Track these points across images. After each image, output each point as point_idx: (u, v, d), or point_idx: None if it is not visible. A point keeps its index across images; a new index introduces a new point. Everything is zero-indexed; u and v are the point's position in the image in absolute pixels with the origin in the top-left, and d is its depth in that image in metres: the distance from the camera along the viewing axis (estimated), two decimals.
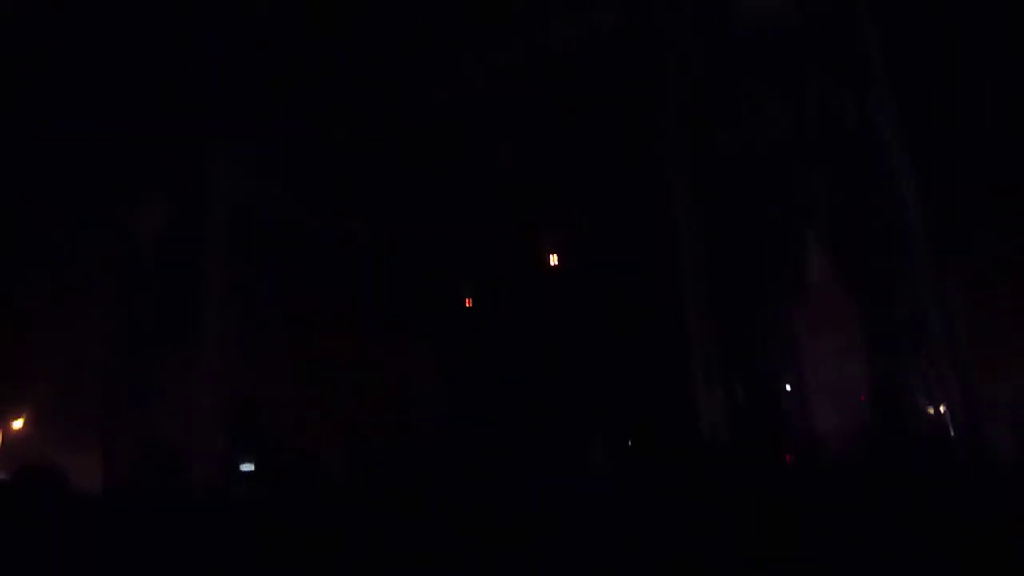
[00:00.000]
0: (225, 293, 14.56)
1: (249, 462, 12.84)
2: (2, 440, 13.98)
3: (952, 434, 13.34)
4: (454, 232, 16.47)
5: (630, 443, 15.72)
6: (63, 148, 13.67)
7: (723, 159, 15.32)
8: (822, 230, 14.52)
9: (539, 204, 16.42)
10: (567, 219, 16.71)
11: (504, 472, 12.48)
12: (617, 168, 15.92)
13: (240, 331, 14.42)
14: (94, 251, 14.28)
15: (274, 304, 15.04)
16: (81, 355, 13.40)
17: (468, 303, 17.84)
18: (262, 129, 15.14)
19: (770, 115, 15.07)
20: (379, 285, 16.13)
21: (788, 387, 15.13)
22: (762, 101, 15.13)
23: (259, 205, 15.43)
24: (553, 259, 17.29)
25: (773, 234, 14.83)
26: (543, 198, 16.35)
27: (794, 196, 15.12)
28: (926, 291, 14.55)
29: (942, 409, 13.84)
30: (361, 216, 16.48)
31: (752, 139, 14.94)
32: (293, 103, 15.26)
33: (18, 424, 14.69)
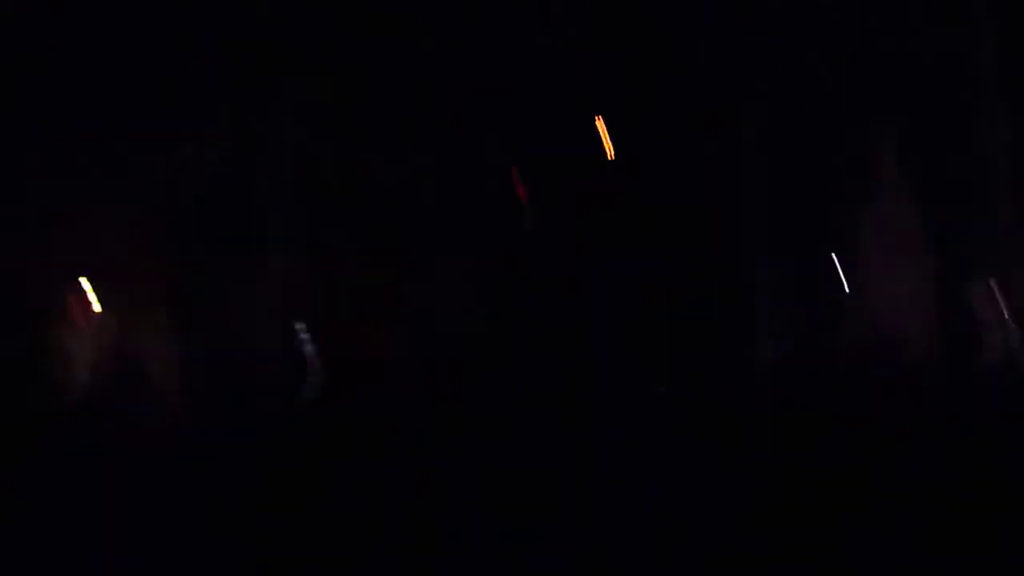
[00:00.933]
0: (288, 224, 15.14)
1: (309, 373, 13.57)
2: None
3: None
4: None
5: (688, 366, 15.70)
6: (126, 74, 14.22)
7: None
8: (897, 136, 14.27)
9: (586, 111, 16.34)
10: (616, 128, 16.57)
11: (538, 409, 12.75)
12: (664, 66, 15.70)
13: (301, 257, 15.04)
14: (167, 170, 14.90)
15: (335, 234, 15.56)
16: (153, 267, 14.04)
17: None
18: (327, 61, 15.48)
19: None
20: (435, 217, 16.42)
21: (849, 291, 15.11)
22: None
23: (320, 140, 15.86)
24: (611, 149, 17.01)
25: (840, 137, 14.62)
26: (588, 103, 16.21)
27: (866, 99, 14.85)
28: (1004, 205, 14.28)
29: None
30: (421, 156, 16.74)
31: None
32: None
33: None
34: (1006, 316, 13.64)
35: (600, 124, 16.31)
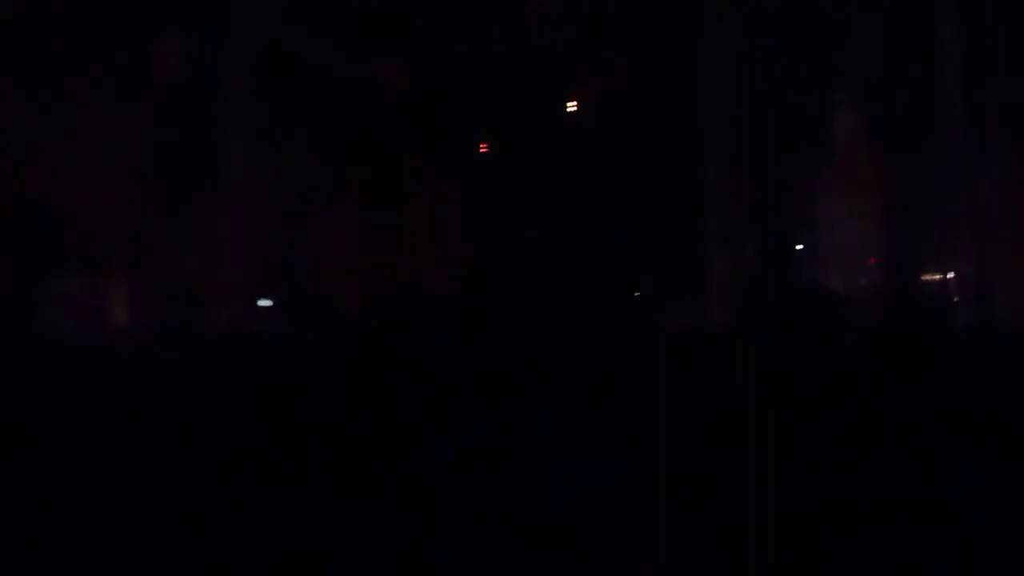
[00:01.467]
0: (250, 132, 14.95)
1: (268, 299, 13.55)
2: None
3: (956, 301, 13.80)
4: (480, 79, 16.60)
5: (636, 295, 16.25)
6: None
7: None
8: (849, 85, 14.56)
9: (563, 46, 16.42)
10: (592, 63, 16.71)
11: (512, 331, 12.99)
12: (642, 9, 15.82)
13: (264, 173, 14.89)
14: (118, 84, 14.58)
15: (301, 147, 15.44)
16: (106, 190, 13.88)
17: (483, 148, 17.96)
18: None
19: None
20: (406, 132, 16.41)
21: (799, 247, 15.59)
22: None
23: (283, 41, 15.60)
24: (572, 106, 17.32)
25: (797, 87, 14.91)
26: (566, 42, 16.32)
27: (824, 48, 15.07)
28: (955, 157, 14.70)
29: (949, 275, 14.25)
30: (389, 59, 16.61)
31: None
32: None
33: None
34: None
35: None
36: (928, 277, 14.15)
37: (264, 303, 13.25)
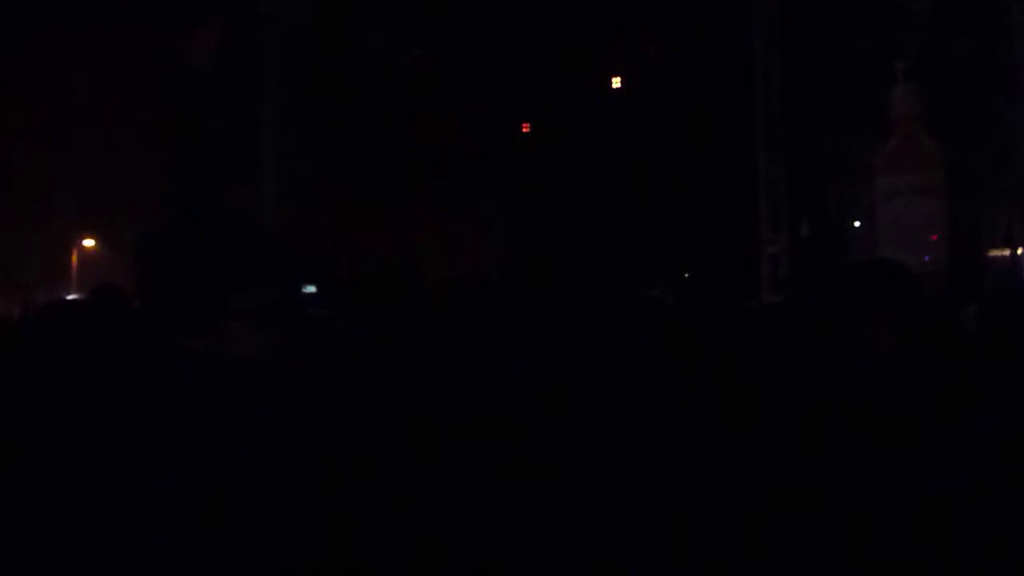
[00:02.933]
0: (285, 119, 15.01)
1: (310, 285, 13.58)
2: (76, 261, 14.75)
3: None
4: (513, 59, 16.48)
5: (686, 276, 16.03)
6: None
7: None
8: (911, 60, 14.25)
9: (606, 22, 16.26)
10: (634, 39, 16.52)
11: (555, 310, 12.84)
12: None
13: (300, 158, 14.93)
14: (157, 75, 14.71)
15: (334, 133, 15.45)
16: (152, 178, 14.02)
17: (526, 128, 17.78)
18: None
19: None
20: (440, 116, 16.34)
21: (857, 224, 15.34)
22: None
23: (316, 29, 15.61)
24: (617, 82, 17.11)
25: (855, 63, 14.65)
26: (610, 16, 16.14)
27: (884, 22, 14.79)
28: (1020, 129, 14.39)
29: (1020, 251, 13.96)
30: (421, 45, 16.57)
31: None
32: None
33: (90, 243, 15.48)
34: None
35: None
36: (996, 253, 13.84)
37: (309, 289, 13.24)
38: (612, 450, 1.44)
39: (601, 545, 1.28)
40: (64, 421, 1.36)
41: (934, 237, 14.03)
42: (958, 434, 1.51)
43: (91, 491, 1.22)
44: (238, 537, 1.17)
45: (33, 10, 13.51)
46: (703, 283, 15.25)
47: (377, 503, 1.34)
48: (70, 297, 9.68)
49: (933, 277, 13.86)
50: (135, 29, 13.85)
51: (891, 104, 14.35)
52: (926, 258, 13.52)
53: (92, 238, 15.46)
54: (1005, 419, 1.48)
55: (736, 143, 15.38)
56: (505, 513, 1.23)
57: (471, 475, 1.34)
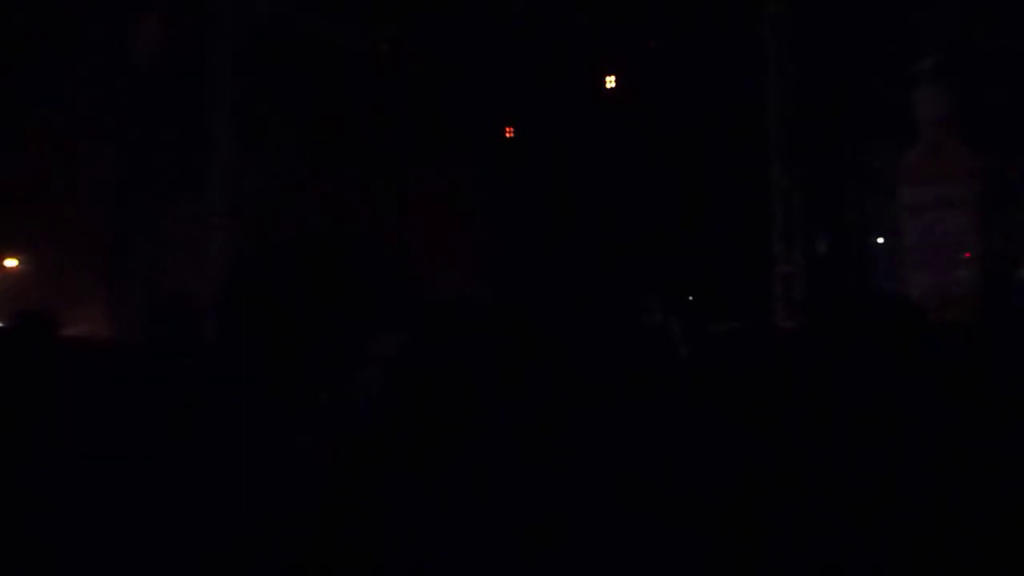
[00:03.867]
0: (241, 127, 13.69)
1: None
2: None
3: None
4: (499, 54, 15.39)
5: (691, 299, 14.97)
6: None
7: None
8: (936, 61, 13.36)
9: (599, 15, 15.20)
10: (631, 34, 15.52)
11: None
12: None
13: (258, 170, 13.63)
14: (95, 77, 13.42)
15: (296, 142, 14.20)
16: (84, 192, 12.76)
17: (509, 133, 16.79)
18: None
19: None
20: (415, 114, 15.18)
21: (880, 240, 14.41)
22: None
23: (277, 17, 14.35)
24: (610, 82, 16.08)
25: (877, 62, 13.71)
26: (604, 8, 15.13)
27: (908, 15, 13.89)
28: None
29: None
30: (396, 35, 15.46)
31: None
32: None
33: (11, 264, 14.20)
34: None
35: None
36: None
37: None
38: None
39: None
40: None
41: (967, 255, 13.04)
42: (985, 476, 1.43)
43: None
44: None
45: None
46: (709, 307, 14.17)
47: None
48: None
49: (964, 301, 12.89)
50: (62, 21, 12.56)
51: (917, 107, 13.45)
52: (956, 276, 12.55)
53: (14, 258, 14.07)
54: None
55: (745, 150, 14.61)
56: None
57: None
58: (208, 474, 1.24)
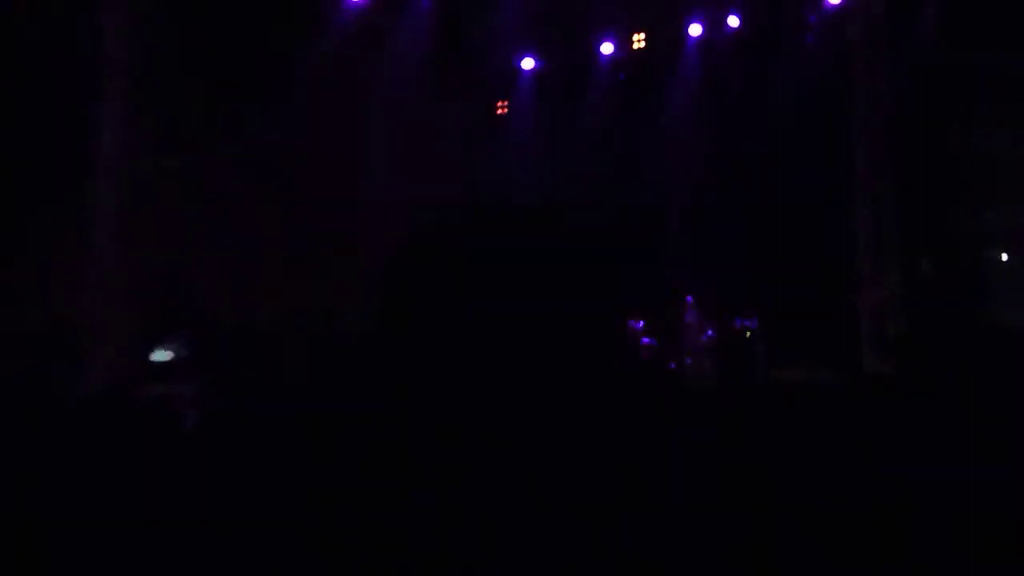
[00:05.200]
0: (127, 136, 11.28)
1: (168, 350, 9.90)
2: None
3: None
4: None
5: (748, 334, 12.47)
6: None
7: None
8: None
9: None
10: None
11: None
12: None
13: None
14: None
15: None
16: None
17: (501, 110, 14.68)
18: None
19: None
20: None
21: (1004, 257, 12.07)
22: None
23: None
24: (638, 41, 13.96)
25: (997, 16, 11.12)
26: None
27: None
28: None
29: None
30: None
31: None
32: None
33: None
34: None
35: None
36: None
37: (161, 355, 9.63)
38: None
39: None
40: None
41: None
42: None
43: None
44: None
45: None
46: (774, 346, 11.64)
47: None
48: None
49: None
50: None
51: None
52: None
53: None
54: None
55: (822, 137, 12.12)
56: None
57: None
58: None
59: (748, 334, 12.33)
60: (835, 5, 13.04)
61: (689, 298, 12.53)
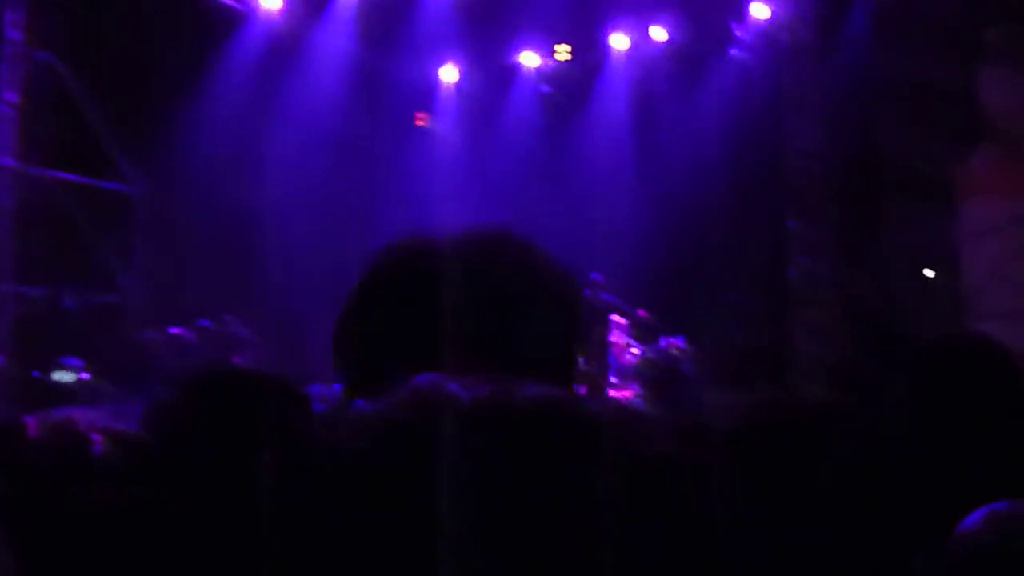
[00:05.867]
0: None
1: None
2: None
3: None
4: None
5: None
6: None
7: None
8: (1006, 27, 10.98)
9: None
10: None
11: None
12: None
13: None
14: None
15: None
16: None
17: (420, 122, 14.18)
18: None
19: None
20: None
21: (930, 273, 12.13)
22: None
23: None
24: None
25: (924, 30, 11.22)
26: None
27: None
28: None
29: None
30: None
31: None
32: None
33: None
34: None
35: None
36: None
37: None
38: None
39: None
40: None
41: None
42: None
43: None
44: None
45: None
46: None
47: None
48: None
49: None
50: None
51: (981, 94, 11.35)
52: None
53: None
54: None
55: (755, 150, 12.11)
56: None
57: None
58: None
59: (675, 353, 12.16)
60: (763, 20, 13.13)
61: (615, 318, 12.35)
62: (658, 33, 13.85)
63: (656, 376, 12.14)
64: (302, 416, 1.57)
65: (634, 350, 12.32)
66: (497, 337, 1.22)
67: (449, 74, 15.49)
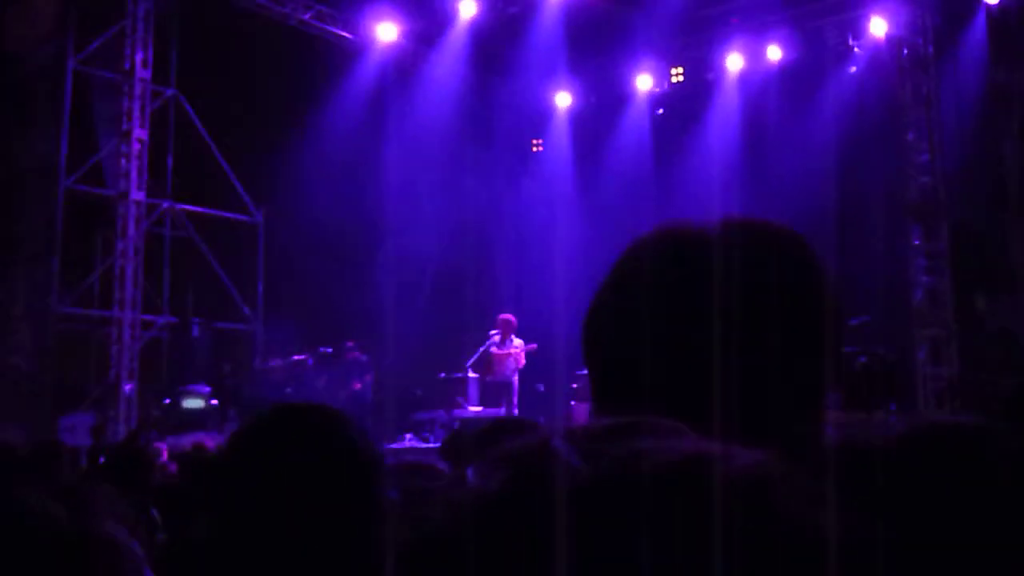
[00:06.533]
0: None
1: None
2: None
3: None
4: None
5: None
6: None
7: None
8: None
9: None
10: None
11: None
12: None
13: None
14: None
15: None
16: None
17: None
18: None
19: None
20: None
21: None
22: None
23: None
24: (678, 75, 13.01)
25: None
26: None
27: None
28: None
29: None
30: None
31: None
32: None
33: None
34: None
35: None
36: None
37: None
38: None
39: None
40: None
41: None
42: None
43: None
44: None
45: None
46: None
47: None
48: None
49: None
50: None
51: None
52: None
53: None
54: None
55: (874, 162, 11.71)
56: None
57: None
58: None
59: None
60: (880, 35, 12.64)
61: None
62: (773, 52, 13.65)
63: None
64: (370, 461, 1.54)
65: None
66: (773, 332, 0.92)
67: (563, 99, 15.59)
